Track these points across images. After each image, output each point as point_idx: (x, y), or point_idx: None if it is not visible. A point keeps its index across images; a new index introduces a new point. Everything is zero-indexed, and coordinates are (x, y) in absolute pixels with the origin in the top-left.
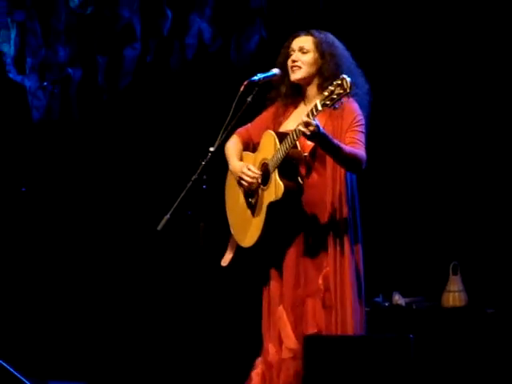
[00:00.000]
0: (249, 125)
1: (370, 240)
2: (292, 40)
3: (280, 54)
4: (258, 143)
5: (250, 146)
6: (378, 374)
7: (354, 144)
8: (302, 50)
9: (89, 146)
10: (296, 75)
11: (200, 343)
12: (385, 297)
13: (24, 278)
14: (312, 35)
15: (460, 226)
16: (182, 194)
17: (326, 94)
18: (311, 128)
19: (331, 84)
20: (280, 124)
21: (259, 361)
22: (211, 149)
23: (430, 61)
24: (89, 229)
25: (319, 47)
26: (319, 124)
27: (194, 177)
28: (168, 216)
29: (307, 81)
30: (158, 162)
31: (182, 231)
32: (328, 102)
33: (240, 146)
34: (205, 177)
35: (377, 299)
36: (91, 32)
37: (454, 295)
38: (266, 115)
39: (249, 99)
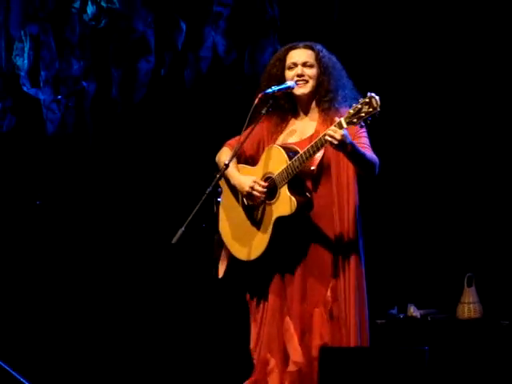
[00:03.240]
0: (239, 136)
1: (385, 252)
2: (287, 52)
3: (273, 66)
4: (251, 155)
5: (242, 157)
6: None
7: (366, 150)
8: (306, 64)
9: (103, 158)
10: (305, 89)
11: (208, 352)
12: (400, 309)
13: (39, 289)
14: (312, 49)
15: (475, 238)
16: (197, 207)
17: (351, 111)
18: (342, 139)
19: (350, 99)
20: (276, 137)
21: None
22: (226, 162)
23: (440, 66)
24: (104, 241)
25: (321, 61)
26: (347, 134)
27: (208, 189)
28: (183, 229)
29: (309, 95)
30: (173, 174)
31: (197, 244)
32: (355, 120)
33: (234, 159)
34: (219, 189)
35: (392, 311)
36: (105, 45)
37: (469, 307)
38: (259, 128)
39: (263, 112)
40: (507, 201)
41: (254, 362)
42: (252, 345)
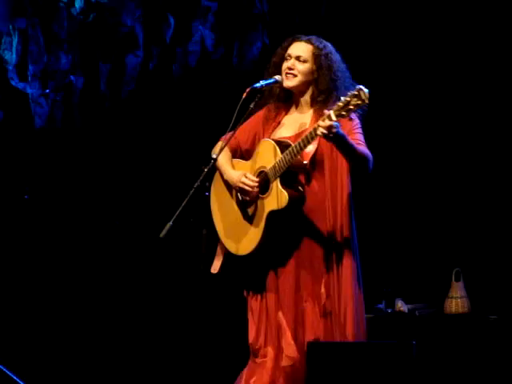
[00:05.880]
0: (234, 131)
1: (373, 247)
2: (291, 42)
3: (276, 53)
4: (247, 150)
5: (238, 152)
6: (380, 381)
7: (360, 145)
8: (299, 59)
9: (91, 153)
10: (289, 83)
11: (198, 348)
12: (387, 303)
13: (27, 285)
14: (312, 44)
15: (462, 233)
16: (185, 201)
17: (340, 104)
18: (334, 130)
19: (345, 95)
20: (272, 129)
21: (249, 366)
22: (214, 156)
23: (429, 64)
24: (92, 236)
25: (317, 59)
26: (338, 125)
27: (196, 184)
28: (171, 223)
29: (300, 89)
30: (161, 168)
31: (185, 238)
32: (344, 113)
33: (229, 153)
34: (207, 184)
35: (379, 306)
36: (93, 39)
37: (457, 302)
38: (255, 120)
39: (251, 106)
40: (495, 196)
41: (252, 354)
42: (251, 339)
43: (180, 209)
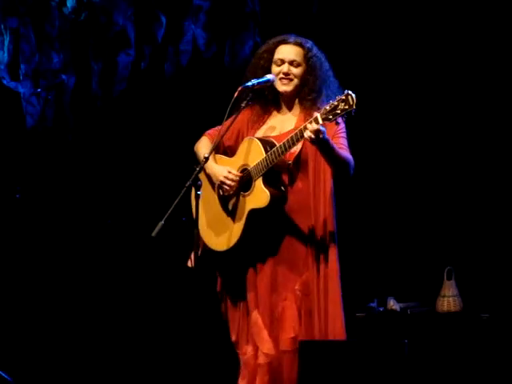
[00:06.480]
0: (219, 127)
1: (365, 245)
2: (277, 45)
3: (261, 57)
4: (229, 146)
5: (221, 148)
6: (372, 379)
7: (343, 150)
8: (293, 64)
9: (83, 152)
10: (287, 88)
11: (193, 347)
12: (379, 302)
13: (18, 284)
14: (302, 47)
15: (454, 231)
16: (177, 200)
17: (327, 108)
18: (320, 135)
19: (333, 98)
20: (258, 127)
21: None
22: (205, 155)
23: (421, 64)
24: (83, 235)
25: (309, 61)
26: (324, 130)
27: (188, 183)
28: (162, 222)
29: (293, 92)
30: (153, 167)
31: (177, 237)
32: (330, 117)
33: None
34: (199, 183)
35: (371, 304)
36: (85, 38)
37: (449, 300)
38: (240, 118)
39: (243, 105)
40: (486, 195)
41: (239, 355)
42: (233, 338)
43: (172, 208)
